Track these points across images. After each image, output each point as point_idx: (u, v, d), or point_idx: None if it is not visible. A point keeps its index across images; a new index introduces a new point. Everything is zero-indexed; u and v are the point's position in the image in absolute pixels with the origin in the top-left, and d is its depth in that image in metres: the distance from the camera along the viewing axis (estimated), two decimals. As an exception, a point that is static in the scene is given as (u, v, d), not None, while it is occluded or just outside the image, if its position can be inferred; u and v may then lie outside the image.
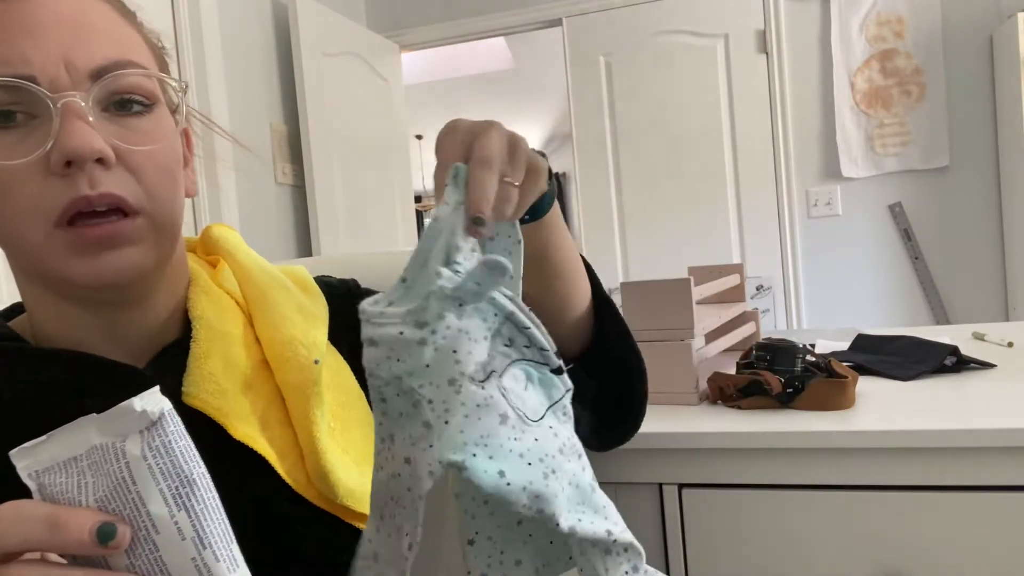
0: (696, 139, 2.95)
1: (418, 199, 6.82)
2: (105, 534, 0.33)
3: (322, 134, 2.62)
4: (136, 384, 0.49)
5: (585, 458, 0.47)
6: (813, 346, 1.25)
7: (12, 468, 0.35)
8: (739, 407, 0.95)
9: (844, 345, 1.23)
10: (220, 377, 0.51)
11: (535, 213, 0.55)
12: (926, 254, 2.76)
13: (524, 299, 0.62)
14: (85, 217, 0.46)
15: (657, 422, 0.92)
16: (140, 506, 0.34)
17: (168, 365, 0.52)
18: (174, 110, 0.53)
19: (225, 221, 2.14)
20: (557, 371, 0.46)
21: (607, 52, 3.04)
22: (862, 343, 1.21)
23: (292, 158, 2.61)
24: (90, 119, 0.46)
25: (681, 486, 0.91)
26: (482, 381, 0.42)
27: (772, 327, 2.87)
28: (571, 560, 0.50)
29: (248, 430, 0.50)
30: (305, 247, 2.63)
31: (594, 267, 0.69)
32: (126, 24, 0.51)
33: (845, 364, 1.00)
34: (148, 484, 0.33)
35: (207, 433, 0.47)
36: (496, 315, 0.43)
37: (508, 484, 0.40)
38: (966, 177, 2.71)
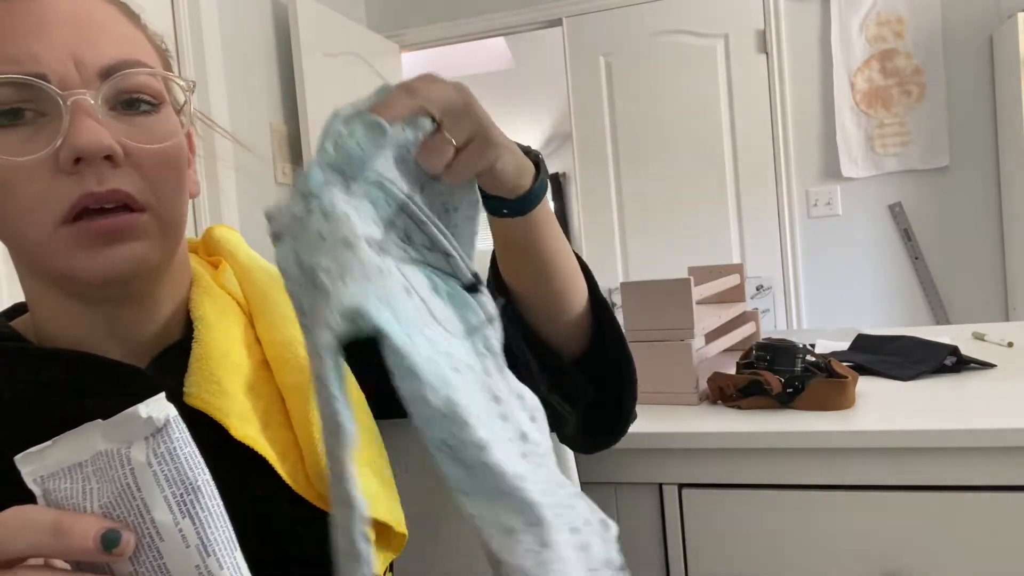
0: (696, 139, 2.95)
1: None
2: (109, 541, 0.33)
3: (322, 134, 2.62)
4: (137, 384, 0.49)
5: (526, 414, 0.42)
6: (813, 346, 1.25)
7: (15, 470, 0.35)
8: (739, 407, 0.95)
9: (844, 345, 1.23)
10: (221, 378, 0.51)
11: (519, 208, 0.55)
12: (926, 254, 2.76)
13: (518, 297, 0.62)
14: (92, 213, 0.46)
15: (657, 422, 0.92)
16: (144, 513, 0.34)
17: (169, 365, 0.52)
18: (179, 110, 0.53)
19: (225, 221, 2.14)
20: (471, 288, 0.42)
21: (607, 52, 3.04)
22: (862, 343, 1.21)
23: (292, 158, 2.62)
24: (99, 117, 0.46)
25: (681, 486, 0.91)
26: (378, 252, 0.38)
27: (772, 327, 2.87)
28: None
29: (249, 431, 0.50)
30: (305, 247, 2.63)
31: (594, 267, 0.69)
32: (131, 25, 0.51)
33: (845, 364, 1.00)
34: (153, 491, 0.33)
35: (208, 433, 0.47)
36: (389, 204, 0.40)
37: (414, 347, 0.36)
38: (966, 177, 2.71)
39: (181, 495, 0.34)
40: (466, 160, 0.47)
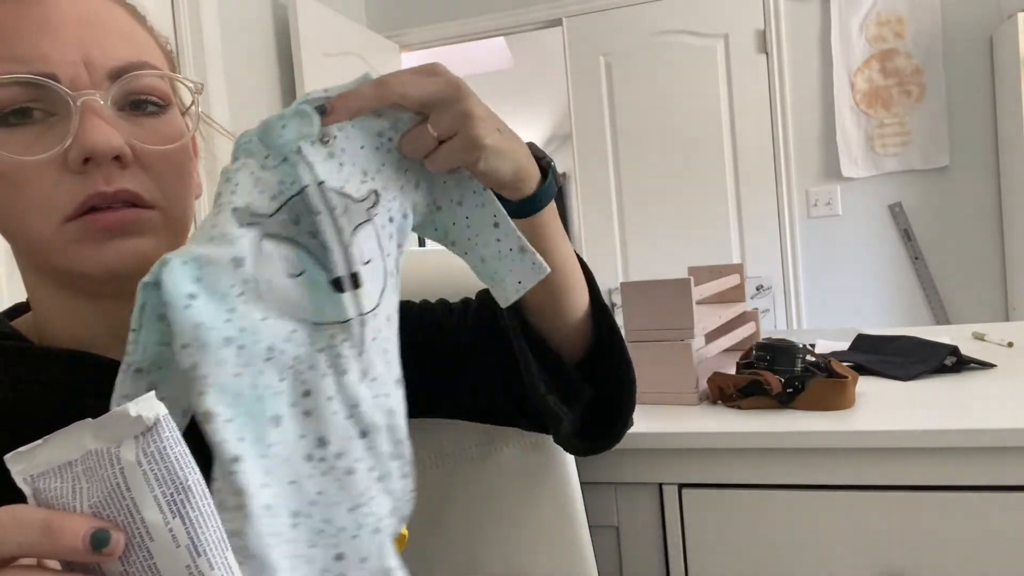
0: (696, 139, 2.95)
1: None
2: (99, 541, 0.33)
3: (322, 134, 2.62)
4: None
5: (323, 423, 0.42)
6: (813, 346, 1.25)
7: (8, 471, 0.35)
8: (739, 407, 0.95)
9: (844, 345, 1.23)
10: None
11: (519, 210, 0.55)
12: (926, 254, 2.76)
13: (520, 300, 0.62)
14: (99, 212, 0.46)
15: (657, 422, 0.93)
16: (134, 512, 0.33)
17: None
18: (184, 111, 0.54)
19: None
20: (336, 283, 0.42)
21: (607, 52, 3.04)
22: (862, 343, 1.21)
23: (292, 158, 2.61)
24: (109, 118, 0.46)
25: (681, 486, 0.91)
26: (243, 223, 0.41)
27: (772, 327, 2.87)
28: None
29: None
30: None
31: (594, 267, 0.68)
32: (139, 26, 0.52)
33: (845, 364, 1.00)
34: (142, 490, 0.33)
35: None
36: (293, 183, 0.42)
37: (186, 308, 0.38)
38: (966, 177, 2.71)
39: (171, 495, 0.34)
40: (445, 153, 0.47)
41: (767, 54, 2.85)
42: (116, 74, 0.47)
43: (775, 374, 0.94)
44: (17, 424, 0.47)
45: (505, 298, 0.53)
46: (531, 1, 3.10)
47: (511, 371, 0.62)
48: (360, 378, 0.43)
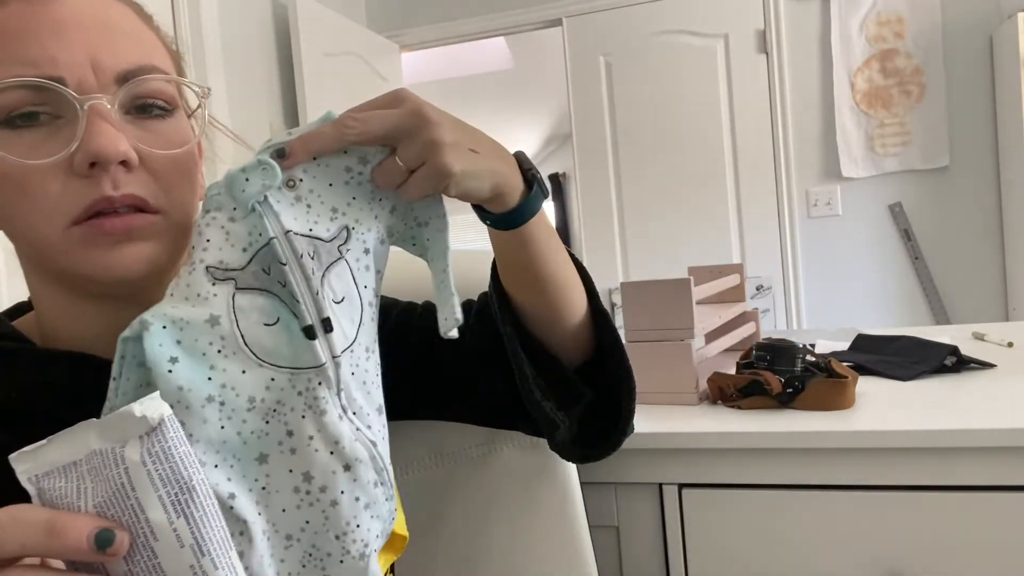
0: (696, 139, 2.95)
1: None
2: (103, 540, 0.33)
3: (322, 134, 2.61)
4: None
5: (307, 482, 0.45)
6: (813, 346, 1.25)
7: (12, 471, 0.35)
8: (739, 407, 0.95)
9: (844, 345, 1.23)
10: None
11: (504, 222, 0.54)
12: (926, 254, 2.76)
13: (515, 304, 0.61)
14: (104, 215, 0.46)
15: (657, 422, 0.93)
16: (139, 512, 0.33)
17: None
18: (190, 115, 0.53)
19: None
20: (307, 331, 0.44)
21: (607, 52, 3.04)
22: (862, 343, 1.21)
23: (292, 158, 2.61)
24: (115, 121, 0.46)
25: (681, 486, 0.91)
26: (217, 279, 0.43)
27: (772, 327, 2.87)
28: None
29: None
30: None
31: (594, 267, 0.68)
32: (147, 28, 0.52)
33: (845, 364, 1.00)
34: (147, 490, 0.33)
35: None
36: (261, 235, 0.44)
37: (170, 372, 0.41)
38: (966, 177, 2.71)
39: (176, 495, 0.34)
40: (416, 183, 0.47)
41: (767, 54, 2.85)
42: (123, 78, 0.47)
43: (775, 374, 0.94)
44: (17, 424, 0.47)
45: (442, 328, 0.52)
46: (531, 1, 3.10)
47: (510, 375, 0.61)
48: (340, 415, 0.45)
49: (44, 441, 0.35)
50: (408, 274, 0.69)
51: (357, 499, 0.46)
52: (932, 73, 2.69)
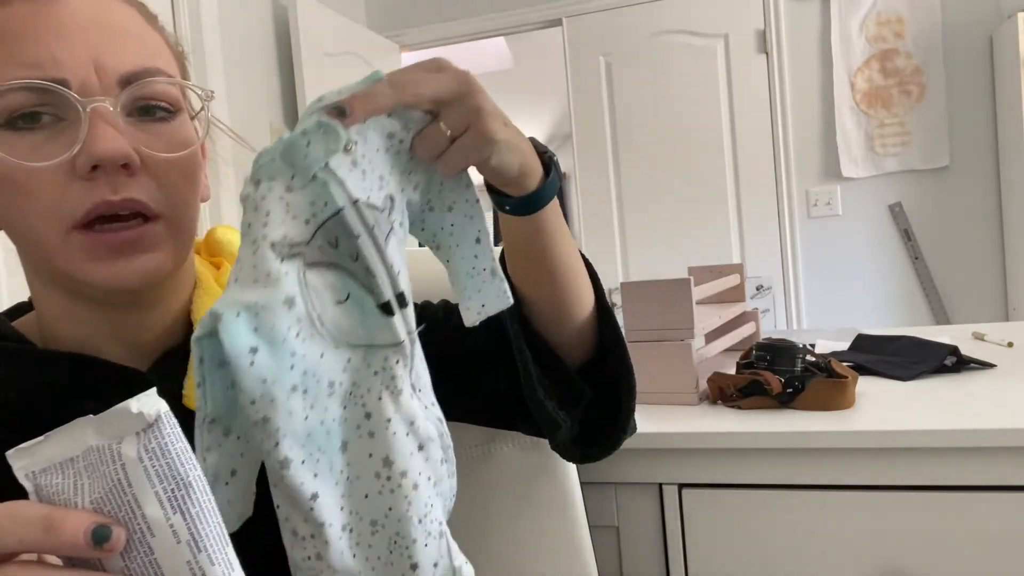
0: (696, 139, 2.95)
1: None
2: (100, 536, 0.33)
3: (322, 134, 2.61)
4: (138, 387, 0.49)
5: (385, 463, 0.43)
6: (813, 346, 1.25)
7: (11, 468, 0.35)
8: (739, 407, 0.95)
9: (844, 345, 1.23)
10: None
11: (523, 207, 0.54)
12: (926, 254, 2.76)
13: (523, 298, 0.61)
14: (105, 220, 0.46)
15: (657, 422, 0.93)
16: (135, 508, 0.33)
17: (170, 368, 0.52)
18: (194, 116, 0.53)
19: (225, 221, 2.14)
20: (385, 308, 0.41)
21: (607, 52, 3.04)
22: (862, 343, 1.21)
23: (292, 158, 2.61)
24: (118, 124, 0.46)
25: (681, 486, 0.91)
26: (284, 256, 0.39)
27: (772, 327, 2.87)
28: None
29: None
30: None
31: (594, 268, 0.68)
32: (151, 29, 0.51)
33: (845, 364, 1.00)
34: (144, 486, 0.33)
35: None
36: (327, 205, 0.40)
37: (251, 364, 0.37)
38: (966, 177, 2.71)
39: (172, 491, 0.34)
40: (459, 151, 0.46)
41: (767, 54, 2.85)
42: (127, 80, 0.47)
43: (775, 374, 0.94)
44: (17, 424, 0.47)
45: (468, 318, 0.51)
46: (531, 1, 3.10)
47: (512, 374, 0.62)
48: (412, 394, 0.43)
49: (41, 437, 0.35)
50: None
51: (429, 479, 0.44)
52: (932, 73, 2.69)
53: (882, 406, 0.91)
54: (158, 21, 0.54)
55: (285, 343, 0.38)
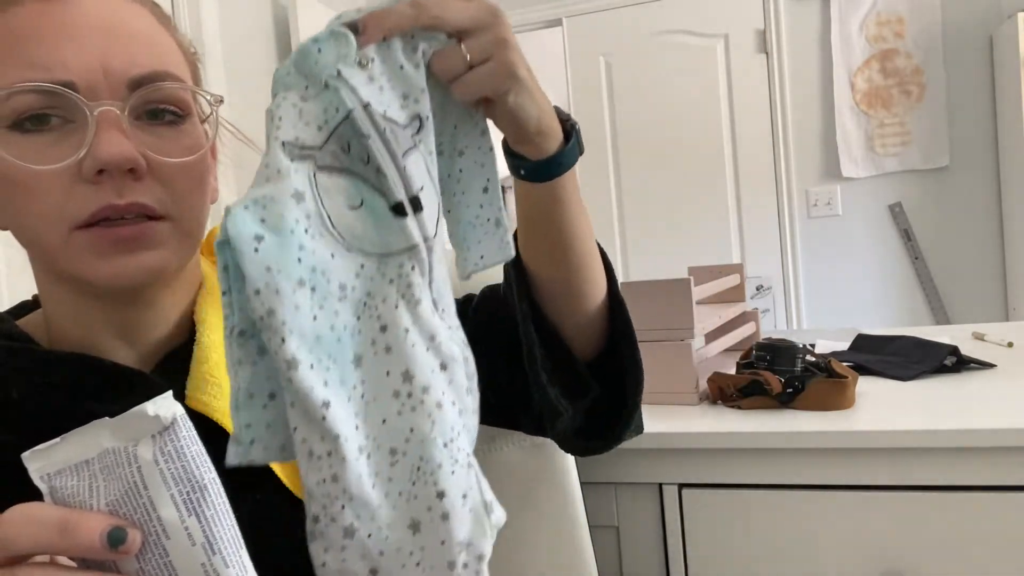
0: (696, 139, 2.95)
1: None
2: (115, 538, 0.33)
3: (322, 134, 2.62)
4: (142, 387, 0.50)
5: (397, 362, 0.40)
6: (813, 346, 1.25)
7: (22, 468, 0.35)
8: (739, 407, 0.95)
9: (844, 345, 1.24)
10: (222, 379, 0.51)
11: (540, 172, 0.52)
12: (926, 254, 2.76)
13: (534, 278, 0.58)
14: (110, 222, 0.46)
15: (657, 422, 0.93)
16: (151, 511, 0.34)
17: (174, 368, 0.52)
18: (204, 120, 0.53)
19: (225, 221, 2.14)
20: (397, 208, 0.40)
21: (607, 52, 3.04)
22: (862, 343, 1.21)
23: (292, 158, 2.62)
24: (125, 128, 0.46)
25: (681, 486, 0.91)
26: (295, 156, 0.39)
27: (772, 327, 2.87)
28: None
29: None
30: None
31: (607, 256, 0.64)
32: (163, 31, 0.51)
33: (845, 364, 1.00)
34: (159, 489, 0.34)
35: (209, 436, 0.47)
36: (338, 110, 0.39)
37: (256, 251, 0.36)
38: (966, 177, 2.71)
39: (187, 493, 0.34)
40: (478, 77, 0.44)
41: (767, 54, 2.85)
42: (136, 83, 0.47)
43: (775, 374, 0.94)
44: (20, 424, 0.48)
45: (464, 269, 0.50)
46: (531, 1, 3.10)
47: (515, 367, 0.60)
48: (433, 309, 0.41)
49: (57, 440, 0.35)
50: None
51: (454, 403, 0.41)
52: (932, 73, 2.69)
53: (882, 406, 0.91)
54: (171, 23, 0.53)
55: (293, 234, 0.37)
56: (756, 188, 2.90)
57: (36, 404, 0.48)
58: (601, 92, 3.06)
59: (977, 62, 2.67)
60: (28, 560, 0.34)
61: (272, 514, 0.51)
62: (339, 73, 0.39)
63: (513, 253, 0.50)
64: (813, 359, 0.98)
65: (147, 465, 0.34)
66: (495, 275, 0.65)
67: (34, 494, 0.35)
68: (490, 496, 0.42)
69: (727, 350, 1.24)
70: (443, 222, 0.44)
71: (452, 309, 0.44)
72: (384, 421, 0.39)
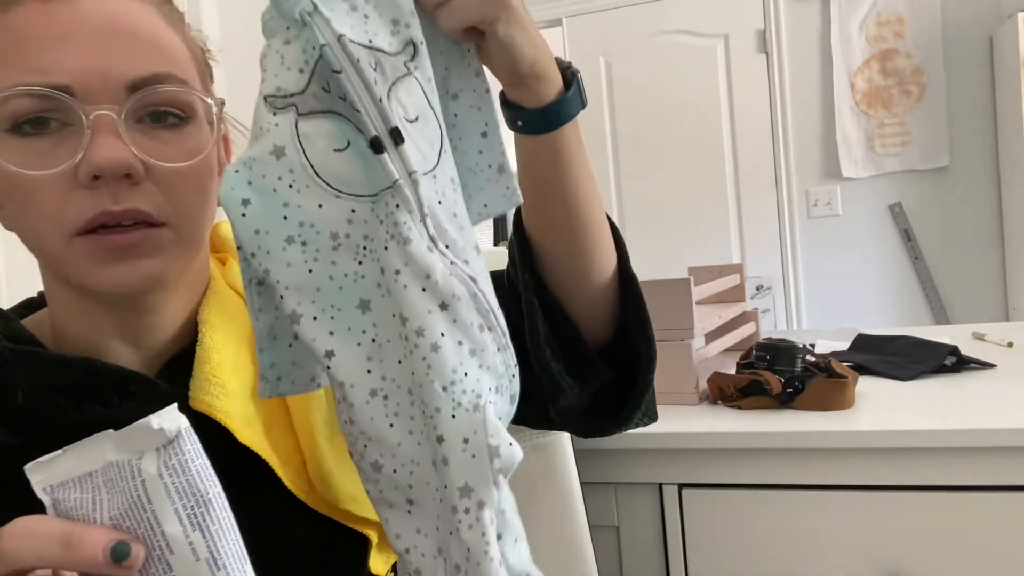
0: (696, 139, 2.95)
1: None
2: (119, 553, 0.32)
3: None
4: (145, 392, 0.49)
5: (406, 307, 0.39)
6: (813, 346, 1.25)
7: (21, 476, 0.35)
8: (739, 407, 0.95)
9: (844, 345, 1.24)
10: (225, 380, 0.50)
11: (538, 122, 0.49)
12: (926, 254, 2.76)
13: (539, 249, 0.55)
14: (108, 228, 0.46)
15: (657, 422, 0.93)
16: (155, 525, 0.33)
17: (179, 371, 0.52)
18: (210, 121, 0.52)
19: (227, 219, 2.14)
20: (373, 144, 0.39)
21: (607, 52, 3.04)
22: (862, 343, 1.21)
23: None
24: (122, 133, 0.45)
25: (681, 486, 0.91)
26: (277, 108, 0.39)
27: (772, 327, 2.87)
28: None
29: (253, 435, 0.50)
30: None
31: (618, 229, 0.60)
32: (171, 30, 0.50)
33: (845, 364, 1.00)
34: (163, 503, 0.33)
35: (211, 437, 0.46)
36: (315, 48, 0.38)
37: (243, 216, 0.38)
38: (966, 177, 2.71)
39: (192, 508, 0.34)
40: (463, 3, 0.42)
41: (767, 54, 2.85)
42: (135, 86, 0.46)
43: (775, 374, 0.94)
44: (24, 428, 0.47)
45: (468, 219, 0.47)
46: (531, 1, 3.10)
47: (519, 356, 0.57)
48: (429, 246, 0.39)
49: (60, 451, 0.34)
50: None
51: (460, 343, 0.39)
52: (932, 73, 2.69)
53: (882, 406, 0.91)
54: (182, 22, 0.52)
55: (276, 193, 0.38)
56: (756, 188, 2.90)
57: (40, 408, 0.48)
58: (601, 92, 3.05)
59: (977, 62, 2.67)
60: (31, 573, 0.33)
61: (276, 515, 0.51)
62: (315, 7, 0.38)
63: (521, 199, 0.48)
64: (813, 359, 0.97)
65: (151, 479, 0.33)
66: (501, 263, 0.63)
67: (38, 500, 0.35)
68: (497, 440, 0.39)
69: (727, 350, 1.24)
70: (452, 155, 0.43)
71: (462, 243, 0.41)
72: (400, 362, 0.40)
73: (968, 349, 1.11)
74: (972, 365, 1.04)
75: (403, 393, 0.40)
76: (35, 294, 0.58)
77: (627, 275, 0.58)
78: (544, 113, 0.49)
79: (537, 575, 0.43)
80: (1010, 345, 1.17)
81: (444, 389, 0.39)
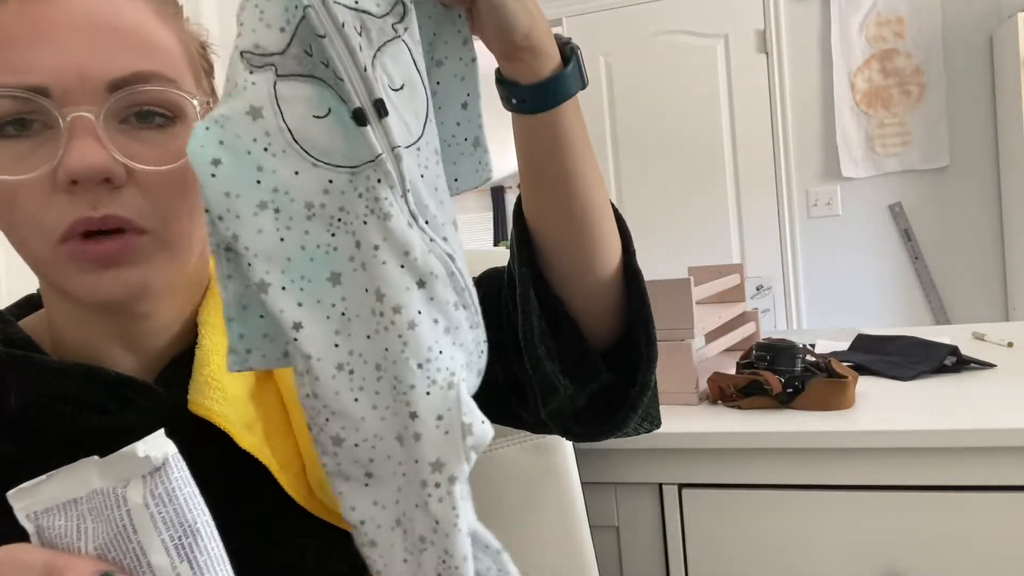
0: (696, 139, 2.95)
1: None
2: None
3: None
4: (143, 398, 0.48)
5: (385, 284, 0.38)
6: (813, 346, 1.25)
7: (18, 480, 0.34)
8: (739, 407, 0.95)
9: (844, 345, 1.24)
10: (225, 383, 0.50)
11: (534, 100, 0.46)
12: (926, 254, 2.76)
13: (539, 239, 0.52)
14: (90, 235, 0.44)
15: (657, 422, 0.93)
16: (141, 556, 0.33)
17: (178, 375, 0.51)
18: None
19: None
20: (356, 116, 0.37)
21: (607, 52, 3.04)
22: (862, 343, 1.21)
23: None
24: (101, 135, 0.43)
25: (681, 486, 0.91)
26: (254, 66, 0.37)
27: (772, 327, 2.87)
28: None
29: (253, 440, 0.49)
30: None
31: (624, 220, 0.57)
32: (161, 26, 0.48)
33: (845, 364, 1.00)
34: (150, 533, 0.32)
35: (211, 441, 0.46)
36: (297, 8, 0.36)
37: (213, 176, 0.36)
38: (966, 177, 2.71)
39: (179, 538, 0.33)
40: None
41: (767, 54, 2.85)
42: (115, 86, 0.44)
43: (775, 374, 0.94)
44: (21, 435, 0.47)
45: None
46: (531, 1, 3.10)
47: (516, 356, 0.55)
48: (409, 222, 0.38)
49: (44, 477, 0.34)
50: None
51: (436, 321, 0.39)
52: (932, 73, 2.69)
53: (882, 406, 0.91)
54: (178, 16, 0.50)
55: (250, 155, 0.37)
56: (756, 188, 2.90)
57: (37, 415, 0.47)
58: (601, 92, 3.05)
59: (977, 62, 2.67)
60: None
61: (275, 520, 0.50)
62: None
63: (492, 175, 0.46)
64: (813, 359, 0.98)
65: (136, 508, 0.32)
66: (500, 263, 0.61)
67: (25, 533, 0.34)
68: (470, 419, 0.40)
69: (727, 350, 1.24)
70: (435, 125, 0.42)
71: (441, 219, 0.40)
72: (368, 337, 0.39)
73: (968, 349, 1.11)
74: (972, 365, 1.04)
75: (370, 368, 0.39)
76: (36, 291, 0.57)
77: (632, 271, 0.56)
78: (540, 89, 0.46)
79: (484, 532, 0.44)
80: (1010, 345, 1.17)
81: (419, 367, 0.38)
